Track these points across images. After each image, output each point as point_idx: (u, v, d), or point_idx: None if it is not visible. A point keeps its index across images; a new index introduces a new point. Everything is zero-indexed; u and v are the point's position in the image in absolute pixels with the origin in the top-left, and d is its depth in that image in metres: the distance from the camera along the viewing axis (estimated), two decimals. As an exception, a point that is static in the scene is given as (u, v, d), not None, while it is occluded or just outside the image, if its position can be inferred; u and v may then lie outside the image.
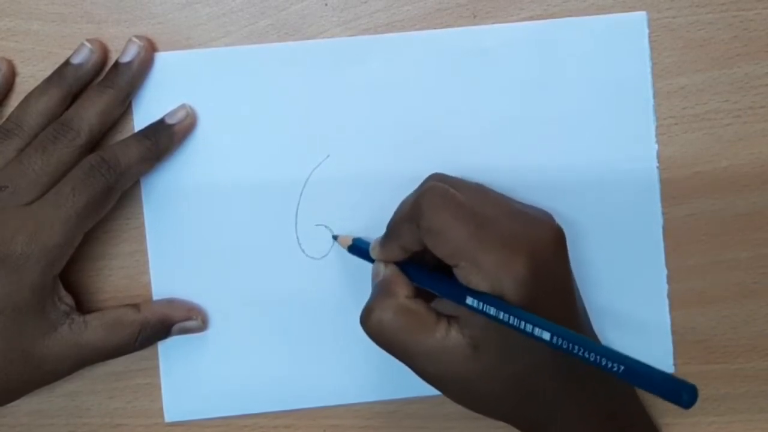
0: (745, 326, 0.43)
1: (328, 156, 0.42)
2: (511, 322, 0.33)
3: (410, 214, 0.36)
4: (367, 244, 0.40)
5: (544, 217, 0.38)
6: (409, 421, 0.43)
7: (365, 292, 0.42)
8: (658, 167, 0.42)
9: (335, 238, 0.42)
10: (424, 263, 0.38)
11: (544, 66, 0.42)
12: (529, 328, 0.32)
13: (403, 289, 0.37)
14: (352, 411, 0.43)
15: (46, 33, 0.41)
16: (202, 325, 0.42)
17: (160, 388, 0.42)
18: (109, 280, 0.42)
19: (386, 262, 0.38)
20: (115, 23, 0.41)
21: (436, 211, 0.35)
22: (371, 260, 0.39)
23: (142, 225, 0.42)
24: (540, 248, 0.35)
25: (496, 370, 0.35)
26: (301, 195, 0.42)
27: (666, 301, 0.43)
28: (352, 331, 0.42)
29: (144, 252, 0.42)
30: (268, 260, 0.42)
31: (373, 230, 0.41)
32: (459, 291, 0.35)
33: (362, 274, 0.42)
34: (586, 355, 0.31)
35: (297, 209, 0.42)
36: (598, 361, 0.31)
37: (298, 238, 0.42)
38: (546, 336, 0.32)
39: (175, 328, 0.41)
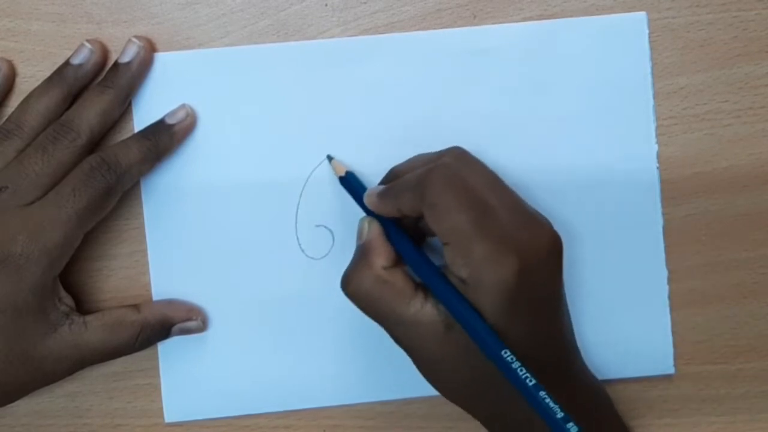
0: (745, 326, 0.43)
1: (328, 156, 0.42)
2: (464, 326, 0.34)
3: (417, 184, 0.36)
4: (360, 183, 0.40)
5: (545, 222, 0.37)
6: (408, 421, 0.43)
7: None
8: (658, 167, 0.42)
9: (330, 159, 0.41)
10: (413, 226, 0.38)
11: (544, 66, 0.42)
12: (481, 344, 0.34)
13: (381, 258, 0.37)
14: (352, 411, 0.43)
15: (46, 33, 0.41)
16: (202, 325, 0.42)
17: (160, 389, 0.42)
18: (109, 280, 0.42)
19: (372, 221, 0.38)
20: (114, 23, 0.41)
21: (443, 189, 0.35)
22: (357, 199, 0.39)
23: (142, 225, 0.42)
24: (532, 252, 0.34)
25: (466, 353, 0.35)
26: (301, 195, 0.42)
27: (666, 302, 0.43)
28: (352, 331, 0.42)
29: (144, 252, 0.42)
30: (268, 260, 0.42)
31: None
32: (432, 276, 0.35)
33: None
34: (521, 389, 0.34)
35: (297, 209, 0.42)
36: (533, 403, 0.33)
37: (298, 238, 0.42)
38: (499, 365, 0.34)
39: (175, 328, 0.41)
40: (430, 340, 0.35)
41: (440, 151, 0.38)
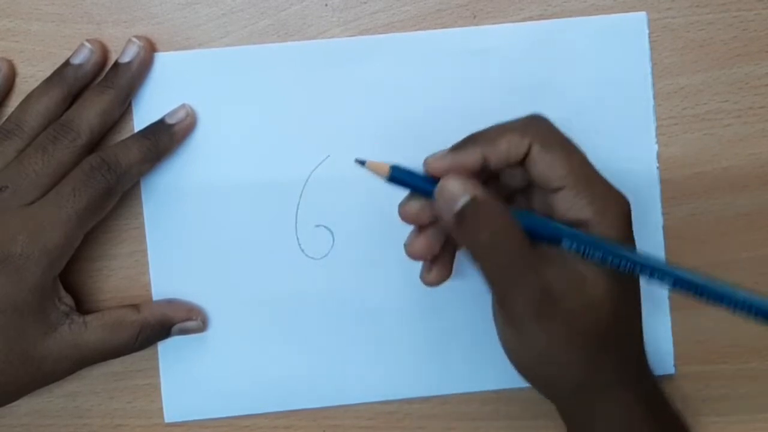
0: (746, 327, 0.43)
1: (328, 156, 0.42)
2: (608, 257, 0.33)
3: (520, 127, 0.34)
4: (409, 171, 0.35)
5: None
6: (409, 422, 0.43)
7: (365, 293, 0.42)
8: (658, 167, 0.42)
9: (362, 163, 0.36)
10: None
11: (543, 66, 0.42)
12: (625, 262, 0.33)
13: (502, 204, 0.33)
14: (352, 411, 0.43)
15: (46, 33, 0.41)
16: (202, 325, 0.41)
17: (159, 389, 0.42)
18: (109, 280, 0.42)
19: (461, 179, 0.33)
20: (114, 24, 0.41)
21: (554, 134, 0.35)
22: (418, 184, 0.35)
23: (142, 225, 0.42)
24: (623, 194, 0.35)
25: (614, 293, 0.34)
26: (301, 195, 0.42)
27: (666, 302, 0.43)
28: (352, 331, 0.42)
29: (144, 252, 0.42)
30: (267, 260, 0.42)
31: (374, 230, 0.41)
32: (553, 222, 0.34)
33: (362, 275, 0.42)
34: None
35: (297, 209, 0.42)
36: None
37: (298, 238, 0.42)
38: (668, 281, 0.33)
39: (175, 328, 0.41)
40: (572, 288, 0.33)
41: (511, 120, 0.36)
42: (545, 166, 0.34)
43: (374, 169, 0.35)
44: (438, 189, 0.34)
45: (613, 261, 0.33)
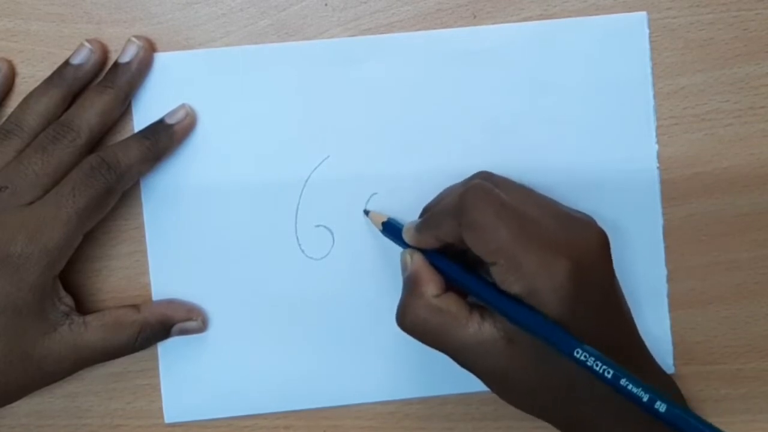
0: (745, 327, 0.43)
1: (328, 156, 0.42)
2: (532, 331, 0.34)
3: (452, 209, 0.35)
4: (401, 225, 0.39)
5: (588, 220, 0.37)
6: (409, 422, 0.43)
7: (365, 293, 0.42)
8: (658, 168, 0.42)
9: (367, 213, 0.41)
10: (455, 254, 0.37)
11: (544, 66, 0.42)
12: (558, 344, 0.33)
13: (430, 286, 0.36)
14: (352, 412, 0.43)
15: (45, 33, 0.41)
16: (202, 325, 0.41)
17: (159, 389, 0.42)
18: (109, 280, 0.42)
19: (414, 251, 0.38)
20: (114, 23, 0.41)
21: (480, 209, 0.34)
22: (402, 243, 0.39)
23: (142, 225, 0.42)
24: (580, 252, 0.34)
25: (531, 365, 0.35)
26: (301, 195, 0.42)
27: (666, 301, 0.43)
28: (352, 331, 0.42)
29: (143, 252, 0.42)
30: (267, 261, 0.42)
31: (374, 231, 0.41)
32: (489, 292, 0.35)
33: (362, 275, 0.42)
34: (615, 382, 0.32)
35: (297, 209, 0.42)
36: (623, 387, 0.32)
37: (297, 238, 0.42)
38: (579, 356, 0.33)
39: (175, 328, 0.41)
40: (494, 357, 0.35)
41: (467, 178, 0.39)
42: (473, 244, 0.35)
43: (373, 219, 0.41)
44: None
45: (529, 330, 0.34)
